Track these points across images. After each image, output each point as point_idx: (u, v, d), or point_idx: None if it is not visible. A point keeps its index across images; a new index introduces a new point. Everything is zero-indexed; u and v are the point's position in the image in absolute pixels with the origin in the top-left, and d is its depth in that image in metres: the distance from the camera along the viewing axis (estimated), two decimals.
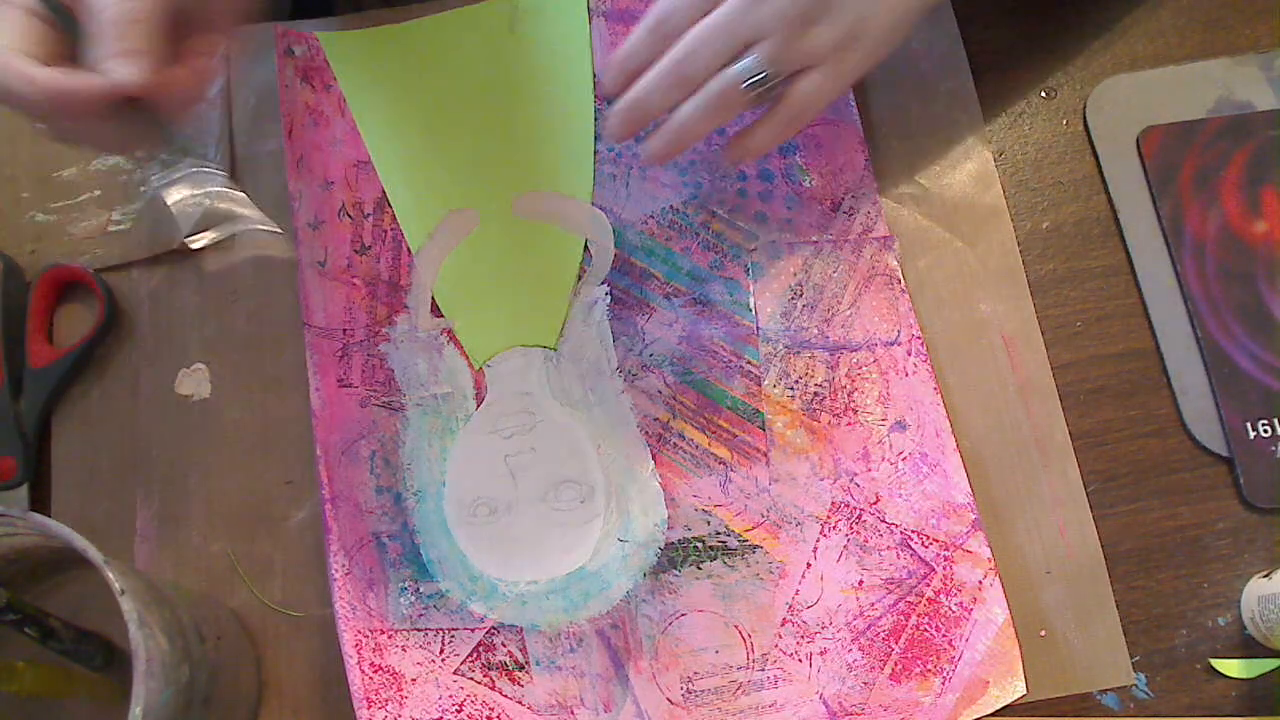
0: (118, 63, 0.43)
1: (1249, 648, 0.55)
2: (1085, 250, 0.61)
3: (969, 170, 0.62)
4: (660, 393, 0.57)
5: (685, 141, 0.54)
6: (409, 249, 0.59)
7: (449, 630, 0.53)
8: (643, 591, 0.54)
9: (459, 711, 0.51)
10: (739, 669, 0.53)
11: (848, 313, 0.59)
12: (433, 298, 0.59)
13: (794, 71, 0.52)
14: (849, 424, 0.57)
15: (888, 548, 0.55)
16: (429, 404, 0.57)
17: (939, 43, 0.64)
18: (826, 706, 0.52)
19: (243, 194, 0.56)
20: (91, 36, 0.44)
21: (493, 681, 0.52)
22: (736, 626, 0.54)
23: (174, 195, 0.60)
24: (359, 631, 0.52)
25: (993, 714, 0.52)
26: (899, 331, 0.58)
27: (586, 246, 0.60)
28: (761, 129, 0.54)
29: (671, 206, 0.61)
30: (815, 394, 0.57)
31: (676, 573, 0.54)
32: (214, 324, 0.59)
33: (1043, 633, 0.55)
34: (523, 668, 0.53)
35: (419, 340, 0.58)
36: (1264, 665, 0.54)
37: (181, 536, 0.56)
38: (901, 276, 0.59)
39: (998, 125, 0.64)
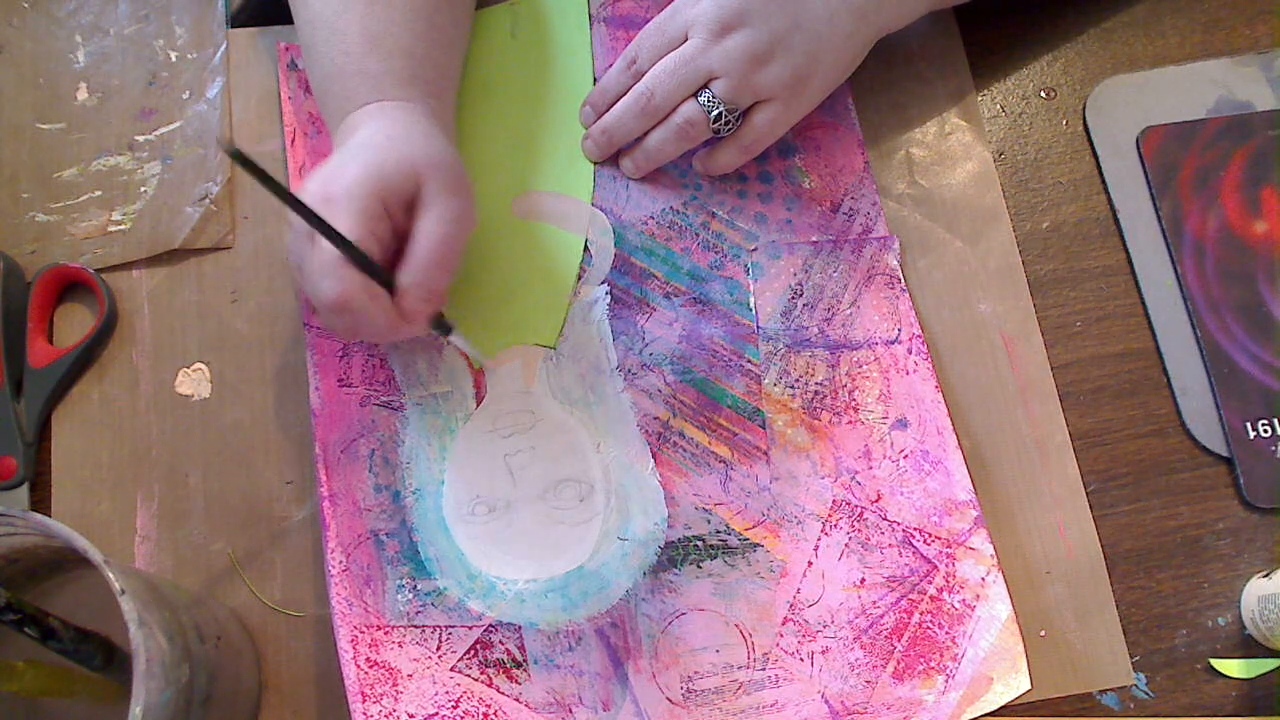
0: (424, 300, 0.51)
1: (1249, 648, 0.55)
2: (1085, 250, 0.61)
3: (969, 170, 0.62)
4: (660, 391, 0.57)
5: (656, 163, 0.60)
6: None
7: (446, 628, 0.53)
8: (642, 590, 0.54)
9: (455, 708, 0.51)
10: (740, 668, 0.53)
11: (848, 312, 0.59)
12: None
13: (751, 104, 0.58)
14: (850, 422, 0.57)
15: (890, 545, 0.55)
16: (429, 403, 0.57)
17: (939, 43, 0.64)
18: (829, 706, 0.52)
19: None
20: (408, 268, 0.51)
21: (490, 679, 0.52)
22: (737, 625, 0.54)
23: (174, 195, 0.60)
24: (355, 627, 0.52)
25: (993, 713, 0.52)
26: (899, 330, 0.58)
27: (586, 246, 0.60)
28: (724, 152, 0.60)
29: (671, 207, 0.61)
30: (816, 392, 0.57)
31: (677, 571, 0.54)
32: (214, 324, 0.59)
33: (1043, 633, 0.55)
34: (520, 665, 0.53)
35: (419, 340, 0.58)
36: (1264, 665, 0.54)
37: (181, 536, 0.56)
38: (902, 276, 0.59)
39: (998, 125, 0.64)
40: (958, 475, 0.56)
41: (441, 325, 0.54)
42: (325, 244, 0.48)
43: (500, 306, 0.59)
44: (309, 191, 0.50)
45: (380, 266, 0.50)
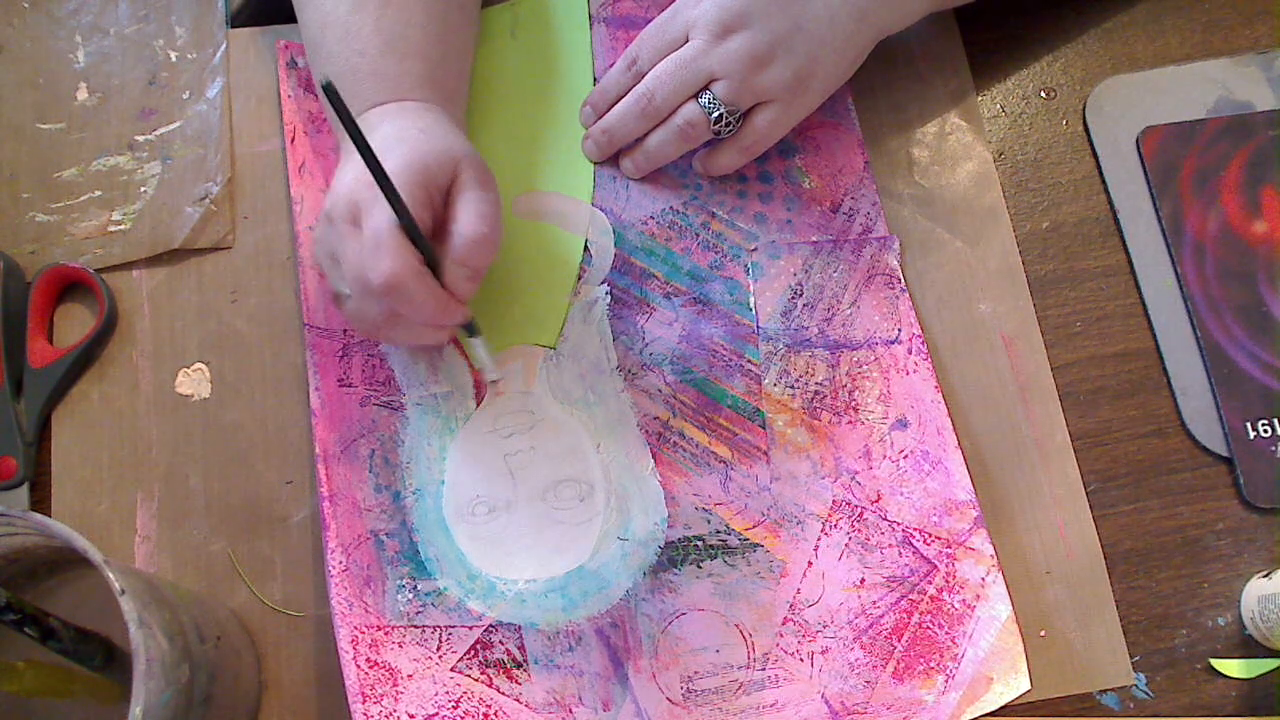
0: (469, 279, 0.51)
1: (1249, 648, 0.55)
2: (1085, 250, 0.61)
3: (969, 170, 0.62)
4: (660, 391, 0.57)
5: (657, 164, 0.61)
6: None
7: (446, 628, 0.53)
8: (642, 590, 0.54)
9: (455, 708, 0.51)
10: (740, 668, 0.53)
11: (848, 312, 0.59)
12: None
13: (752, 105, 0.58)
14: (850, 422, 0.57)
15: (889, 546, 0.55)
16: (429, 403, 0.57)
17: (939, 43, 0.64)
18: (828, 706, 0.52)
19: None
20: (450, 253, 0.51)
21: (490, 679, 0.52)
22: (737, 625, 0.54)
23: (174, 195, 0.60)
24: (355, 627, 0.52)
25: (993, 713, 0.52)
26: (899, 330, 0.58)
27: (586, 246, 0.60)
28: (724, 154, 0.60)
29: (671, 207, 0.61)
30: (816, 392, 0.57)
31: (677, 571, 0.54)
32: (214, 324, 0.59)
33: (1043, 633, 0.55)
34: (521, 666, 0.53)
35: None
36: (1264, 665, 0.54)
37: (181, 536, 0.56)
38: (902, 276, 0.59)
39: (998, 125, 0.64)
40: (958, 475, 0.56)
41: (471, 327, 0.55)
42: (374, 223, 0.49)
43: (500, 306, 0.59)
44: (349, 180, 0.51)
45: (429, 245, 0.50)
